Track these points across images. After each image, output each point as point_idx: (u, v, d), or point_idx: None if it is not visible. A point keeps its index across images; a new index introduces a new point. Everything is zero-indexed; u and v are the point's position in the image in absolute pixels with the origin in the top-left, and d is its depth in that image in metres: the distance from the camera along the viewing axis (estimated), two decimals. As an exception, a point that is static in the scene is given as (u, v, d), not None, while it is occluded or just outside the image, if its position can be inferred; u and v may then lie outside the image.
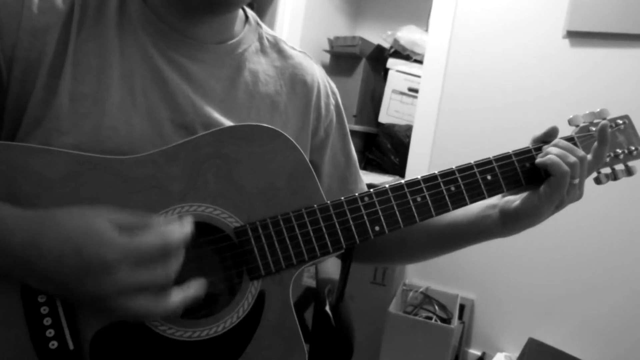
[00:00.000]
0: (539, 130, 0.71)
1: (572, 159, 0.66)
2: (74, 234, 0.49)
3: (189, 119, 0.64)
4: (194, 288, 0.53)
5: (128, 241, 0.49)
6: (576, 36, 1.86)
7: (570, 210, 0.72)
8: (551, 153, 0.67)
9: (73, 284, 0.49)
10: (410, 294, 1.99)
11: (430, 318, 1.85)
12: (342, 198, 0.64)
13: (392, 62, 2.56)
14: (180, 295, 0.52)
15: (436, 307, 1.93)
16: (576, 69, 1.86)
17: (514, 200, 0.70)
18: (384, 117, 2.56)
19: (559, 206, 0.68)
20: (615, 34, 1.79)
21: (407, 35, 2.53)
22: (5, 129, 0.60)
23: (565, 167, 0.65)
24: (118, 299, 0.49)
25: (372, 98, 2.72)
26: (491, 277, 2.00)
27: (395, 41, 2.55)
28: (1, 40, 0.57)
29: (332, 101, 0.82)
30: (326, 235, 0.62)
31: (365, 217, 0.64)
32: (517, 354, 1.83)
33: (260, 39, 0.76)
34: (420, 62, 2.39)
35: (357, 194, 0.64)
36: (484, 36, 2.00)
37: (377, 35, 2.69)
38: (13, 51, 0.57)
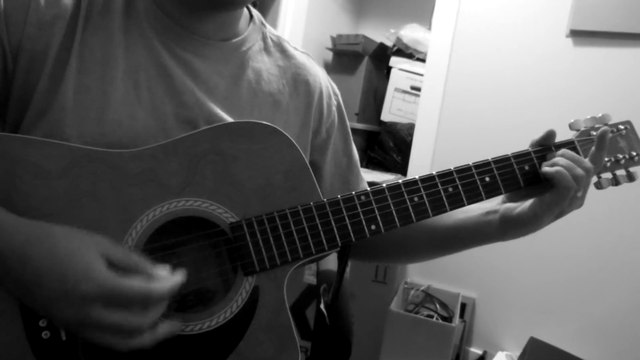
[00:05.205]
0: (541, 128, 0.71)
1: (579, 171, 0.65)
2: (63, 258, 0.49)
3: (193, 114, 0.65)
4: (167, 329, 0.53)
5: (111, 280, 0.49)
6: (579, 35, 1.85)
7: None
8: (558, 164, 0.66)
9: (49, 303, 0.49)
10: (412, 292, 1.99)
11: (432, 317, 1.85)
12: (339, 196, 0.64)
13: (394, 61, 2.56)
14: (150, 339, 0.52)
15: (437, 306, 1.93)
16: (579, 68, 1.85)
17: (515, 207, 0.70)
18: (386, 116, 2.56)
19: (560, 215, 0.68)
20: (619, 33, 1.78)
21: (410, 33, 2.52)
22: (10, 119, 0.61)
23: (572, 182, 0.64)
24: (86, 330, 0.49)
25: (375, 96, 2.72)
26: (492, 276, 2.00)
27: (398, 39, 2.55)
28: (8, 32, 0.58)
29: (334, 102, 0.82)
30: (322, 233, 0.62)
31: (361, 215, 0.64)
32: (518, 352, 1.83)
33: (264, 38, 0.76)
34: (423, 60, 2.38)
35: (353, 193, 0.64)
36: (487, 35, 1.99)
37: (379, 34, 2.69)
38: (20, 43, 0.59)
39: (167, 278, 0.52)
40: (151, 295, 0.50)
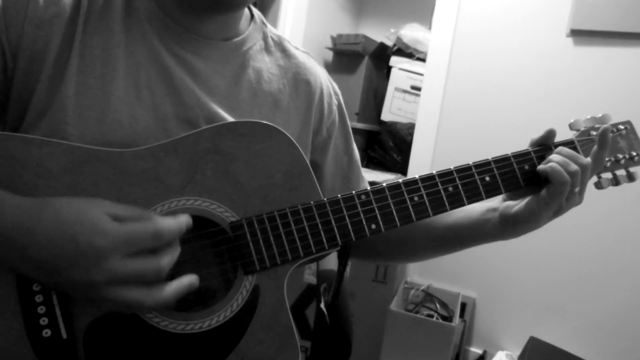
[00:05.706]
0: (542, 128, 0.71)
1: (574, 167, 0.65)
2: (69, 222, 0.50)
3: (194, 114, 0.65)
4: (187, 281, 0.54)
5: (122, 230, 0.50)
6: (580, 35, 1.85)
7: (572, 209, 0.72)
8: (553, 161, 0.66)
9: (65, 271, 0.49)
10: (412, 292, 2.00)
11: (432, 316, 1.85)
12: (339, 195, 0.64)
13: (395, 60, 2.56)
14: (172, 288, 0.52)
15: (437, 305, 1.94)
16: (580, 67, 1.85)
17: (514, 205, 0.70)
18: (386, 115, 2.56)
19: (558, 212, 0.68)
20: (619, 32, 1.78)
21: (410, 33, 2.53)
22: (10, 119, 0.61)
23: (567, 177, 0.64)
24: (108, 288, 0.50)
25: (375, 96, 2.72)
26: (493, 275, 2.00)
27: (398, 39, 2.55)
28: (7, 31, 0.58)
29: (335, 101, 0.82)
30: (322, 232, 0.62)
31: (361, 214, 0.64)
32: (518, 352, 1.83)
33: (265, 37, 0.76)
34: (423, 60, 2.39)
35: (354, 192, 0.64)
36: (487, 34, 1.99)
37: (380, 33, 2.69)
38: (19, 42, 0.59)
39: (173, 219, 0.53)
40: (162, 231, 0.52)
